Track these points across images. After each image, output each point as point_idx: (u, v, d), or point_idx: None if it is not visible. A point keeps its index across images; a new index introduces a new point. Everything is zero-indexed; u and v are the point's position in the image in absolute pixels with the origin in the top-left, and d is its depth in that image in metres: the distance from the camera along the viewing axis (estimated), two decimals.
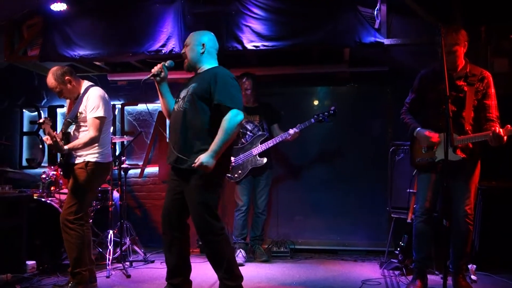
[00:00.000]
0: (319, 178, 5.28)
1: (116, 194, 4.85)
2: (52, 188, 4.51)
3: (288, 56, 5.21)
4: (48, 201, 4.22)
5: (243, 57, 5.13)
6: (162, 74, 3.15)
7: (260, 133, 4.79)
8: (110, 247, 4.21)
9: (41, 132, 5.81)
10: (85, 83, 3.63)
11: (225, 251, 3.02)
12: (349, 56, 4.95)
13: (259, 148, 4.69)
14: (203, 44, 3.15)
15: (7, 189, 3.96)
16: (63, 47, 4.85)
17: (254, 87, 4.82)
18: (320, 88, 5.46)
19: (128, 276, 4.01)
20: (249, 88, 4.78)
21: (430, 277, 3.60)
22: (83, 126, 3.52)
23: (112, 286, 3.74)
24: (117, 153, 5.40)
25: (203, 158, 2.85)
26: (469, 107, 3.29)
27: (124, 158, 4.81)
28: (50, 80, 3.50)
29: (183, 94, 3.11)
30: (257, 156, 4.70)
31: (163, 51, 4.62)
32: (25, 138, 6.04)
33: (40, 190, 4.47)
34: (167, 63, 3.17)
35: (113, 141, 4.58)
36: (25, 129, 6.03)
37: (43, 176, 4.51)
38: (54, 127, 3.64)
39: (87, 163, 3.46)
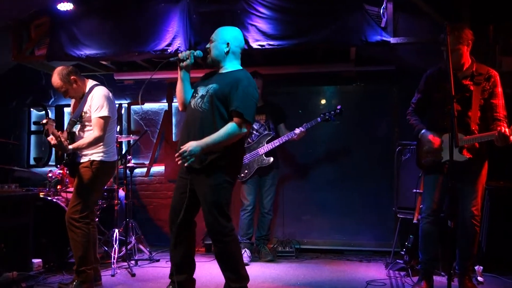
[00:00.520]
0: (325, 177, 5.26)
1: (122, 193, 4.87)
2: (58, 187, 4.54)
3: (294, 55, 5.20)
4: (55, 200, 4.25)
5: (249, 56, 5.12)
6: (188, 61, 3.08)
7: (266, 132, 4.78)
8: (115, 245, 4.23)
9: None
10: (90, 83, 3.65)
11: (233, 252, 3.02)
12: (355, 55, 4.93)
13: (265, 148, 4.68)
14: (228, 44, 3.07)
15: (14, 188, 3.99)
16: (70, 47, 4.87)
17: (264, 85, 4.83)
18: (326, 87, 5.44)
19: (133, 275, 4.02)
20: (260, 87, 4.77)
21: (436, 278, 3.58)
22: (87, 125, 3.53)
23: (117, 285, 3.76)
24: (123, 152, 5.42)
25: (193, 144, 2.82)
26: (475, 106, 3.25)
27: (130, 157, 4.83)
28: (56, 80, 3.52)
29: (202, 91, 3.05)
30: (263, 155, 4.69)
31: (168, 50, 4.62)
32: (32, 137, 6.08)
33: (47, 189, 4.50)
34: (196, 52, 3.08)
35: (119, 140, 4.61)
36: (32, 128, 6.08)
37: (50, 175, 4.54)
38: (62, 126, 3.65)
39: (92, 162, 3.48)
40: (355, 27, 4.30)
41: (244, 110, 2.90)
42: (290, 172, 5.38)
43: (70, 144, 3.42)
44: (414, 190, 4.05)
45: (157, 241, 5.36)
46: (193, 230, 3.18)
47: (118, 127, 5.53)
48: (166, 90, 5.74)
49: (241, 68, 3.13)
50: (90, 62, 5.36)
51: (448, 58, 3.19)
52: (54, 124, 3.35)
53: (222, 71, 3.10)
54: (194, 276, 3.20)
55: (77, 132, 3.55)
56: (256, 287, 3.65)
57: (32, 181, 5.31)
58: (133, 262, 4.43)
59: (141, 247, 4.77)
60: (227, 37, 3.09)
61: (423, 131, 3.38)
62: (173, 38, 4.64)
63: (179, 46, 4.60)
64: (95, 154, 3.50)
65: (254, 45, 4.47)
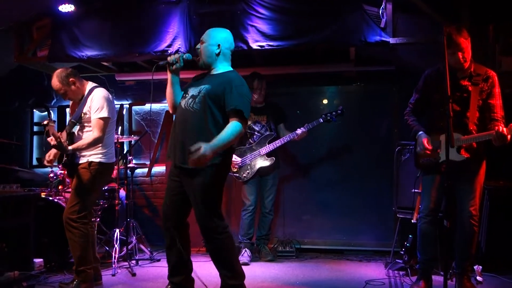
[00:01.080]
0: (325, 177, 5.27)
1: (123, 193, 4.90)
2: (60, 187, 4.57)
3: (293, 56, 5.21)
4: (56, 200, 4.29)
5: (249, 57, 5.14)
6: (177, 64, 3.08)
7: (267, 133, 4.80)
8: (116, 245, 4.25)
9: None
10: (89, 84, 3.67)
11: (228, 249, 3.03)
12: (355, 55, 4.94)
13: (266, 148, 4.70)
14: (219, 45, 3.08)
15: (15, 188, 4.02)
16: (71, 48, 4.91)
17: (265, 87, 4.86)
18: (326, 87, 5.45)
19: (134, 275, 4.05)
20: (262, 88, 4.80)
21: (435, 278, 3.58)
22: (87, 126, 3.56)
23: (118, 284, 3.78)
24: (124, 152, 5.45)
25: (204, 147, 2.74)
26: (473, 107, 3.25)
27: (131, 157, 4.86)
28: (55, 82, 3.55)
29: (193, 92, 3.06)
30: (265, 156, 4.71)
31: (169, 51, 4.65)
32: (35, 138, 6.13)
33: (48, 189, 4.54)
34: (185, 55, 3.08)
35: (120, 140, 4.64)
36: (35, 129, 6.13)
37: (51, 175, 4.58)
38: (64, 127, 3.69)
39: (90, 163, 3.50)
40: (354, 27, 4.32)
41: (243, 109, 2.92)
42: (290, 172, 5.39)
43: (69, 145, 3.44)
44: (413, 190, 4.05)
45: (158, 241, 5.36)
46: (187, 231, 3.18)
47: (120, 127, 5.59)
48: None
49: (232, 69, 3.14)
50: (92, 63, 5.40)
51: (460, 53, 3.21)
52: (54, 125, 3.38)
53: (213, 72, 3.11)
54: (194, 275, 3.22)
55: (76, 133, 3.58)
56: (256, 286, 3.66)
57: (34, 181, 5.34)
58: (134, 261, 4.46)
59: (142, 247, 4.79)
60: (218, 39, 3.10)
61: (419, 132, 3.39)
62: (173, 39, 4.68)
63: (179, 47, 4.63)
64: (93, 155, 3.53)
65: (254, 45, 4.49)
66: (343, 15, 4.36)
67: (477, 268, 3.77)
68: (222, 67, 3.11)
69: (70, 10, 4.76)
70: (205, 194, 2.97)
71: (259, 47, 4.49)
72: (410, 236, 4.05)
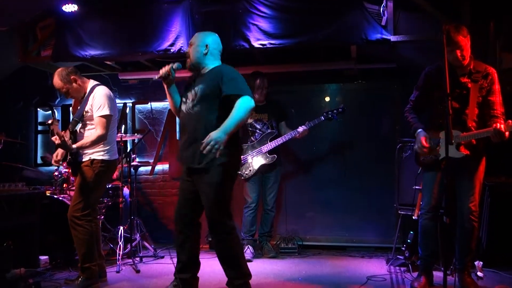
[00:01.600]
0: (327, 175, 5.31)
1: (126, 191, 4.95)
2: (64, 185, 4.63)
3: (295, 54, 5.24)
4: (61, 198, 4.34)
5: (251, 55, 5.17)
6: (170, 76, 3.19)
7: (269, 131, 4.84)
8: (120, 242, 4.31)
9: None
10: (91, 82, 3.71)
11: (234, 249, 3.09)
12: (356, 53, 4.96)
13: (268, 146, 4.74)
14: (207, 45, 3.18)
15: (21, 187, 4.07)
16: (75, 47, 4.95)
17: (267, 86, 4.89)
18: (328, 85, 5.47)
19: (138, 271, 4.10)
20: (264, 87, 4.84)
21: (436, 273, 3.61)
22: (89, 124, 3.60)
23: (122, 281, 3.83)
24: (128, 151, 5.50)
25: (214, 134, 2.82)
26: (473, 104, 3.28)
27: (134, 155, 4.90)
28: (56, 81, 3.60)
29: (190, 96, 3.16)
30: (266, 153, 4.75)
31: (171, 50, 4.69)
32: (39, 137, 6.18)
33: (53, 187, 4.59)
34: (175, 65, 3.18)
35: (123, 139, 4.68)
36: (39, 127, 6.18)
37: (56, 173, 4.63)
38: (67, 125, 3.74)
39: (92, 161, 3.55)
40: (355, 25, 4.34)
41: (241, 91, 2.98)
42: (292, 170, 5.43)
43: (73, 143, 3.49)
44: (414, 187, 4.08)
45: (161, 238, 5.44)
46: (198, 231, 3.27)
47: (123, 126, 5.63)
48: None
49: (220, 63, 3.24)
50: (95, 63, 5.45)
51: (458, 52, 3.23)
52: (59, 124, 3.43)
53: (204, 71, 3.20)
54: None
55: (78, 131, 3.62)
56: (259, 282, 3.70)
57: (38, 180, 5.39)
58: (138, 258, 4.50)
59: (146, 244, 4.84)
60: (206, 40, 3.20)
61: (419, 130, 3.42)
62: (175, 38, 4.71)
63: (181, 46, 4.66)
64: (96, 153, 3.57)
65: (256, 44, 4.52)
66: (344, 13, 4.39)
67: (478, 263, 3.79)
68: (212, 65, 3.20)
69: (73, 10, 4.81)
70: (215, 193, 3.03)
71: (260, 46, 4.52)
72: (411, 232, 4.07)
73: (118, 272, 4.06)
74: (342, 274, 4.03)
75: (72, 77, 3.59)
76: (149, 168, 5.83)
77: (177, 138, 5.77)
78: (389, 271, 4.04)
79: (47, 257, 4.16)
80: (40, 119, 6.19)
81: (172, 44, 4.71)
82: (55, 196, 4.37)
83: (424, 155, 3.42)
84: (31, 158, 6.12)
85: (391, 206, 4.84)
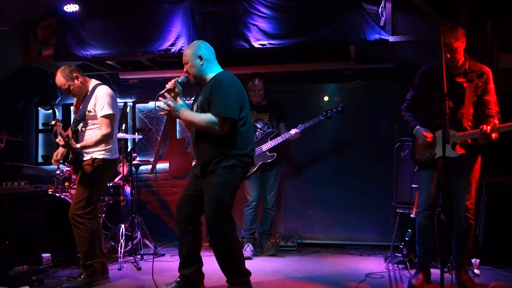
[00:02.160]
0: (326, 174, 5.36)
1: (127, 189, 4.99)
2: (66, 184, 4.67)
3: (295, 54, 5.28)
4: (63, 196, 4.38)
5: (251, 55, 5.22)
6: (176, 90, 3.21)
7: (269, 130, 4.90)
8: (121, 240, 4.35)
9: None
10: (93, 82, 3.74)
11: (233, 251, 3.13)
12: (355, 53, 5.00)
13: (268, 144, 4.80)
14: (200, 56, 3.20)
15: (23, 185, 4.11)
16: (76, 47, 4.99)
17: (265, 86, 4.94)
18: (327, 85, 5.52)
19: (139, 269, 4.15)
20: (262, 89, 4.90)
21: (433, 271, 3.66)
22: (91, 124, 3.64)
23: (124, 278, 3.87)
24: (128, 150, 5.54)
25: (179, 103, 3.07)
26: (468, 103, 3.32)
27: (135, 154, 4.94)
28: (59, 78, 3.62)
29: (195, 107, 3.26)
30: (266, 152, 4.80)
31: (172, 50, 4.73)
32: (40, 135, 6.22)
33: (55, 186, 4.63)
34: (180, 78, 3.22)
35: (124, 138, 4.72)
36: (40, 126, 6.21)
37: (58, 172, 4.67)
38: (69, 125, 3.77)
39: (94, 159, 3.59)
40: (354, 26, 4.38)
41: (220, 112, 3.03)
42: (291, 169, 5.47)
43: (76, 142, 3.53)
44: (412, 186, 4.13)
45: (162, 236, 5.48)
46: (199, 227, 3.33)
47: (124, 125, 5.68)
48: None
49: (221, 70, 3.26)
50: (96, 62, 5.49)
51: (449, 55, 3.29)
52: (62, 125, 3.46)
53: (207, 81, 3.23)
54: None
55: (80, 130, 3.66)
56: (258, 280, 3.74)
57: (40, 178, 5.43)
58: (139, 256, 4.55)
59: (147, 242, 4.89)
60: (196, 52, 3.21)
61: (417, 127, 3.47)
62: (176, 38, 4.74)
63: (182, 46, 4.70)
64: (97, 152, 3.61)
65: (256, 44, 4.56)
66: (343, 14, 4.43)
67: (475, 261, 3.85)
68: (212, 72, 3.24)
69: (74, 10, 4.84)
70: (216, 193, 3.08)
71: (260, 46, 4.56)
72: (409, 230, 4.12)
73: (119, 269, 4.11)
74: (340, 271, 4.08)
75: (74, 74, 3.63)
76: (150, 167, 5.87)
77: (177, 137, 5.82)
78: (387, 269, 4.09)
79: (49, 254, 4.20)
80: (41, 118, 6.22)
81: (172, 44, 4.74)
82: (57, 195, 4.40)
83: (421, 152, 3.47)
84: (32, 156, 6.16)
85: (389, 205, 4.89)
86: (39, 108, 6.23)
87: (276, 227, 5.33)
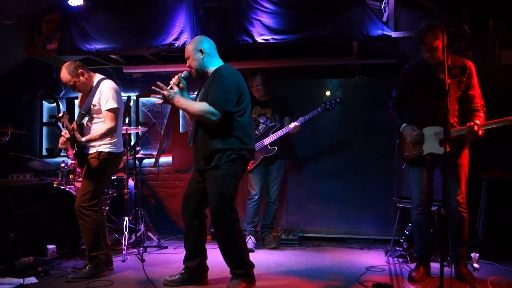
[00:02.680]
0: (328, 168, 5.40)
1: (131, 183, 5.04)
2: (70, 177, 4.72)
3: (298, 49, 5.30)
4: (67, 189, 4.43)
5: (254, 50, 5.24)
6: (180, 85, 3.28)
7: (272, 124, 4.94)
8: (125, 233, 4.41)
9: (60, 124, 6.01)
10: (97, 76, 3.79)
11: (236, 242, 3.20)
12: (358, 48, 5.03)
13: (270, 138, 4.86)
14: (201, 50, 3.25)
15: (29, 177, 4.16)
16: (80, 41, 5.01)
17: (265, 82, 4.98)
18: (330, 80, 5.55)
19: (143, 261, 4.19)
20: (260, 84, 4.95)
21: (433, 264, 3.70)
22: (96, 118, 3.69)
23: (128, 270, 3.93)
24: (132, 143, 5.59)
25: (174, 91, 3.13)
26: (453, 99, 3.35)
27: (139, 148, 4.99)
28: (64, 74, 3.66)
29: (198, 99, 3.30)
30: (268, 145, 4.85)
31: (176, 44, 4.75)
32: (44, 129, 6.26)
33: (59, 179, 4.69)
34: (183, 74, 3.29)
35: (128, 131, 4.77)
36: (44, 119, 6.26)
37: (62, 165, 4.72)
38: (72, 118, 3.82)
39: (99, 153, 3.64)
40: (357, 21, 4.40)
41: (216, 102, 3.08)
42: (294, 163, 5.51)
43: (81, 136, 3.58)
44: None
45: (165, 229, 5.55)
46: (204, 221, 3.39)
47: (127, 119, 5.71)
48: None
49: (222, 64, 3.31)
50: (100, 56, 5.51)
51: (428, 55, 3.32)
52: (68, 118, 3.51)
53: (208, 74, 3.28)
54: None
55: (85, 124, 3.70)
56: (261, 272, 3.78)
57: (44, 171, 5.48)
58: (142, 248, 4.60)
59: (150, 234, 4.95)
60: (197, 46, 3.27)
61: (404, 124, 3.53)
62: (180, 32, 4.77)
63: (186, 41, 4.72)
64: (102, 146, 3.66)
65: (259, 39, 4.59)
66: (346, 9, 4.45)
67: (474, 255, 3.90)
68: (213, 65, 3.29)
69: (79, 4, 4.85)
70: (219, 185, 3.14)
71: (264, 41, 4.59)
72: (409, 224, 4.17)
73: (123, 261, 4.17)
74: (341, 264, 4.13)
75: (79, 70, 3.67)
76: (153, 160, 5.92)
77: (180, 131, 5.86)
78: (388, 262, 4.14)
79: (54, 246, 4.26)
80: (45, 112, 6.26)
81: (176, 39, 4.77)
82: (62, 187, 4.46)
83: (409, 150, 3.52)
84: (36, 149, 6.21)
85: (390, 199, 4.93)
86: (43, 102, 6.27)
87: (278, 220, 5.38)
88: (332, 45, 5.20)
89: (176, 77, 3.27)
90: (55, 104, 6.20)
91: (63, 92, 6.22)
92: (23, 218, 4.00)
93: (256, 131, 4.95)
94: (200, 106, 3.11)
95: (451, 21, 4.23)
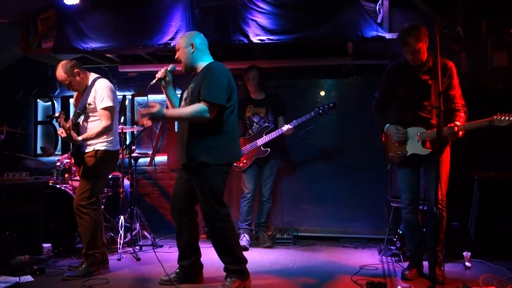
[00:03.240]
0: (322, 168, 5.43)
1: (126, 182, 5.05)
2: (66, 175, 4.72)
3: (293, 49, 5.33)
4: (63, 188, 4.44)
5: (250, 50, 5.27)
6: (167, 78, 3.30)
7: (265, 124, 4.97)
8: (121, 232, 4.43)
9: (55, 123, 6.03)
10: (92, 75, 3.81)
11: (229, 236, 3.23)
12: (353, 49, 5.07)
13: (263, 139, 4.87)
14: (192, 44, 3.26)
15: (24, 176, 4.17)
16: (76, 40, 5.02)
17: (260, 78, 4.99)
18: (325, 80, 5.57)
19: (138, 259, 4.22)
20: (254, 78, 4.96)
21: (426, 263, 3.73)
22: (91, 116, 3.70)
23: (123, 268, 3.95)
24: (127, 143, 5.59)
25: (156, 108, 3.03)
26: (434, 100, 3.36)
27: (134, 147, 5.00)
28: (60, 73, 3.67)
29: (185, 95, 3.30)
30: (261, 147, 4.88)
31: (171, 44, 4.77)
32: (39, 127, 6.24)
33: (55, 177, 4.69)
34: (170, 67, 3.30)
35: (124, 131, 4.78)
36: (39, 118, 6.24)
37: (58, 164, 4.72)
38: (68, 117, 3.83)
39: (96, 151, 3.66)
40: (352, 22, 4.45)
41: (209, 97, 3.08)
42: (289, 163, 5.54)
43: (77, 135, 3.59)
44: None
45: (160, 227, 5.56)
46: (195, 219, 3.41)
47: (123, 118, 5.72)
48: None
49: (212, 60, 3.32)
50: (96, 55, 5.52)
51: (411, 57, 3.36)
52: (64, 117, 3.53)
53: (198, 70, 3.29)
54: None
55: (81, 123, 3.71)
56: (255, 271, 3.81)
57: (39, 169, 5.47)
58: (137, 247, 4.62)
59: (145, 233, 4.96)
60: (190, 40, 3.28)
61: (387, 125, 3.57)
62: (176, 32, 4.79)
63: None
64: (99, 144, 3.68)
65: (254, 39, 4.62)
66: (341, 10, 4.50)
67: (466, 254, 3.95)
68: (203, 61, 3.30)
69: (75, 3, 4.86)
70: (206, 182, 3.16)
71: (259, 41, 4.62)
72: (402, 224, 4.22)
73: (119, 260, 4.19)
74: (335, 263, 4.17)
75: (75, 70, 3.68)
76: (148, 159, 5.93)
77: (176, 130, 5.86)
78: (381, 261, 4.18)
79: (50, 244, 4.27)
80: (40, 110, 6.24)
81: (172, 38, 4.79)
82: (58, 186, 4.46)
83: (393, 150, 3.56)
84: (31, 148, 6.19)
85: (383, 199, 4.98)
86: (38, 100, 6.25)
87: (272, 219, 5.41)
88: (327, 46, 5.23)
89: (163, 70, 3.28)
90: (50, 103, 6.19)
91: (58, 90, 6.21)
92: (18, 217, 4.01)
93: (249, 131, 4.97)
94: (191, 108, 3.10)
95: (445, 23, 4.28)
